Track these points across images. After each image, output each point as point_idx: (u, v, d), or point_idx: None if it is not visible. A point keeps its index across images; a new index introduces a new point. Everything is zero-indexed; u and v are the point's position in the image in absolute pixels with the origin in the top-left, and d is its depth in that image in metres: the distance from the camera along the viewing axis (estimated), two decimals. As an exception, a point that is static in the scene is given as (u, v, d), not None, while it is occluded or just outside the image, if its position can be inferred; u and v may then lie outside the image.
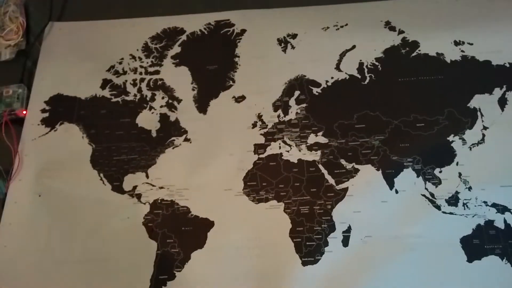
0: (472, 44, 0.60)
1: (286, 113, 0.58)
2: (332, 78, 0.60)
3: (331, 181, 0.54)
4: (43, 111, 0.60)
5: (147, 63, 0.63)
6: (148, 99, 0.60)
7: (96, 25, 0.66)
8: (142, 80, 0.62)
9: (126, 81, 0.62)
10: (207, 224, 0.53)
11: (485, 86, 0.58)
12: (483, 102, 0.57)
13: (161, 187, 0.55)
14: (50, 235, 0.54)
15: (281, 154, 0.56)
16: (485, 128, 0.55)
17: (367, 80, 0.59)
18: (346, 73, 0.60)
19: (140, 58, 0.63)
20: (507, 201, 0.52)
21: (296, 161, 0.55)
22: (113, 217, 0.54)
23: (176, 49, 0.63)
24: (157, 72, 0.62)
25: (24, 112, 0.60)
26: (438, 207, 0.52)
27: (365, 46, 0.61)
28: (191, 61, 0.63)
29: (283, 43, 0.63)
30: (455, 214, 0.52)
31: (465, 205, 0.52)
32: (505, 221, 0.51)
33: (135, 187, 0.55)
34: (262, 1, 0.66)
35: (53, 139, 0.59)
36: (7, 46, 0.64)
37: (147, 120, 0.59)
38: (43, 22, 0.66)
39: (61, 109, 0.60)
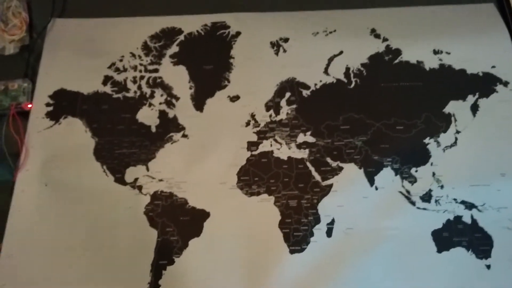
0: (449, 53, 0.65)
1: (277, 113, 0.62)
2: (320, 81, 0.64)
3: (318, 177, 0.58)
4: (48, 105, 0.63)
5: (147, 61, 0.65)
6: (147, 96, 0.63)
7: (97, 22, 0.68)
8: (142, 77, 0.64)
9: (126, 78, 0.64)
10: (203, 215, 0.57)
11: (460, 93, 0.62)
12: (457, 108, 0.61)
13: (161, 180, 0.59)
14: (56, 222, 0.56)
15: (272, 152, 0.60)
16: (458, 132, 0.60)
17: (352, 84, 0.63)
18: (333, 77, 0.64)
19: (139, 56, 0.66)
20: (475, 199, 0.57)
21: (286, 158, 0.59)
22: (116, 206, 0.57)
23: (174, 48, 0.66)
24: (156, 70, 0.65)
25: (30, 105, 0.62)
26: (413, 203, 0.57)
27: (351, 52, 0.65)
28: (189, 60, 0.65)
29: (276, 46, 0.66)
30: (428, 210, 0.56)
31: (437, 202, 0.57)
32: (472, 217, 0.56)
33: (136, 179, 0.59)
34: (256, 5, 0.69)
35: (57, 132, 0.61)
36: (11, 41, 0.66)
37: (147, 116, 0.62)
38: (45, 18, 0.68)
39: (64, 103, 0.63)
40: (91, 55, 0.66)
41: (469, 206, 0.57)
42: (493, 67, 0.64)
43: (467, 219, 0.56)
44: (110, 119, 0.62)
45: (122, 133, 0.61)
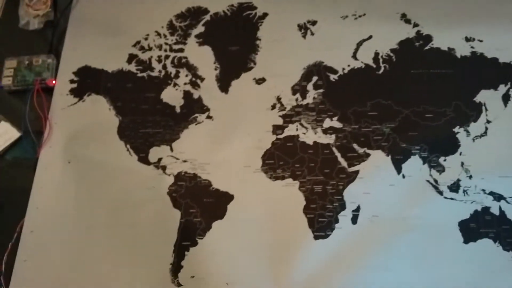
0: (481, 41, 0.63)
1: (304, 97, 0.61)
2: (348, 66, 0.62)
3: (344, 163, 0.57)
4: (72, 81, 0.63)
5: (172, 40, 0.65)
6: (172, 76, 0.63)
7: (122, 0, 0.68)
8: (166, 57, 0.64)
9: (151, 57, 0.64)
10: (227, 197, 0.56)
11: (491, 82, 0.61)
12: (488, 97, 0.60)
13: (185, 161, 0.58)
14: (79, 200, 0.57)
15: (297, 136, 0.59)
16: (488, 122, 0.59)
17: (381, 70, 0.62)
18: (362, 62, 0.63)
19: (165, 35, 0.65)
20: (504, 190, 0.55)
21: (311, 143, 0.59)
22: (140, 186, 0.57)
23: (200, 28, 0.66)
24: (181, 50, 0.64)
25: (54, 82, 0.62)
26: (440, 193, 0.56)
27: (381, 36, 0.64)
28: (214, 41, 0.65)
29: (303, 29, 0.65)
30: (455, 200, 0.55)
31: (465, 192, 0.56)
32: (500, 208, 0.55)
33: (160, 159, 0.58)
34: (284, -14, 0.67)
35: (81, 109, 0.61)
36: (36, 16, 0.65)
37: (172, 96, 0.62)
38: (70, -7, 0.68)
39: (89, 81, 0.63)
40: (116, 32, 0.65)
41: (498, 197, 0.55)
42: (526, 56, 0.62)
43: (495, 211, 0.55)
44: (134, 98, 0.62)
45: (146, 112, 0.61)
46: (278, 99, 0.61)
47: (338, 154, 0.58)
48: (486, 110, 0.60)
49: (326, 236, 0.54)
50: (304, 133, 0.59)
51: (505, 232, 0.54)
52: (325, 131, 0.59)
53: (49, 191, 0.57)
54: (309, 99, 0.61)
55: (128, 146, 0.59)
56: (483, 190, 0.56)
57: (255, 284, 0.52)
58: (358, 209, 0.55)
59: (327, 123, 0.60)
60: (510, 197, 0.55)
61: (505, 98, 0.60)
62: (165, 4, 0.67)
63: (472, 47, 0.63)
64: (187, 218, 0.55)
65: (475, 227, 0.54)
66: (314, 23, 0.65)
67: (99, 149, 0.59)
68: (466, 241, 0.54)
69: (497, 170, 0.57)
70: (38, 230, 0.55)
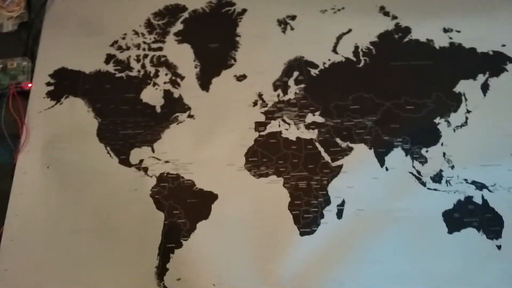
0: (459, 31, 0.63)
1: (285, 93, 0.61)
2: (329, 60, 0.62)
3: (327, 158, 0.57)
4: (48, 84, 0.61)
5: (150, 39, 0.64)
6: (151, 75, 0.62)
7: (98, -1, 0.66)
8: (145, 56, 0.63)
9: (129, 56, 0.63)
10: (211, 197, 0.56)
11: (470, 72, 0.61)
12: (467, 87, 0.61)
13: (167, 161, 0.57)
14: (59, 205, 0.55)
15: (280, 132, 0.59)
16: (468, 111, 0.59)
17: (362, 63, 0.62)
18: (342, 55, 0.63)
19: (143, 34, 0.64)
20: (485, 179, 0.56)
21: (294, 139, 0.58)
22: (121, 188, 0.56)
23: (179, 26, 0.65)
24: (160, 49, 0.63)
25: (30, 85, 0.60)
26: (423, 184, 0.56)
27: (360, 30, 0.64)
28: (193, 38, 0.64)
29: (283, 24, 0.65)
30: (439, 190, 0.56)
31: (447, 182, 0.56)
32: (482, 197, 0.55)
33: (141, 161, 0.57)
34: (262, -19, 0.67)
35: (59, 112, 0.60)
36: (9, 18, 0.63)
37: (152, 96, 0.61)
38: (44, -6, 0.66)
39: (66, 83, 0.61)
40: (93, 32, 0.64)
41: (480, 186, 0.56)
42: (504, 45, 0.63)
43: (478, 200, 0.56)
44: (114, 99, 0.61)
45: (126, 113, 0.60)
46: (260, 95, 0.61)
47: (321, 149, 0.58)
48: (466, 100, 0.60)
49: (312, 232, 0.54)
50: (287, 129, 0.59)
51: (488, 221, 0.54)
52: (308, 127, 0.59)
53: (28, 197, 0.55)
54: (290, 95, 0.61)
55: (108, 148, 0.58)
56: (466, 180, 0.56)
57: (242, 283, 0.52)
58: (343, 203, 0.55)
59: (310, 118, 0.59)
60: (492, 186, 0.56)
61: (484, 88, 0.61)
62: (142, 2, 0.66)
63: (450, 38, 0.63)
64: (171, 219, 0.55)
65: (459, 216, 0.55)
66: (293, 18, 0.65)
67: (79, 153, 0.58)
68: (450, 231, 0.54)
69: (478, 159, 0.57)
70: (18, 238, 0.54)
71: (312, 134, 0.59)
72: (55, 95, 0.61)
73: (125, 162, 0.57)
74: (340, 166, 0.57)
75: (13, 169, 0.57)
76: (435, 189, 0.56)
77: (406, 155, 0.57)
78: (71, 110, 0.60)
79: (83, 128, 0.59)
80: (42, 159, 0.57)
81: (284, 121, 0.59)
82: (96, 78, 0.62)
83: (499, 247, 0.53)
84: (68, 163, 0.57)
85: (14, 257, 0.53)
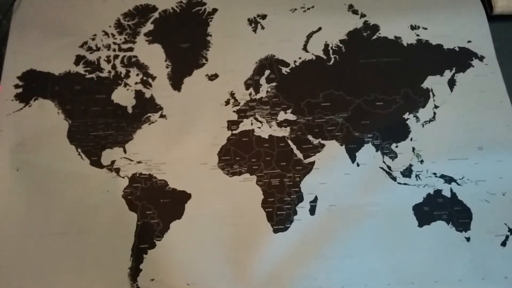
0: (426, 28, 0.65)
1: (257, 91, 0.61)
2: (300, 58, 0.63)
3: (299, 155, 0.58)
4: (16, 86, 0.60)
5: (120, 39, 0.63)
6: (122, 76, 0.61)
7: (66, 0, 0.65)
8: (116, 57, 0.62)
9: (100, 57, 0.62)
10: (184, 196, 0.56)
11: (437, 68, 0.63)
12: (435, 83, 0.62)
13: (139, 162, 0.57)
14: (30, 208, 0.55)
15: (253, 130, 0.59)
16: (436, 107, 0.61)
17: (332, 61, 0.63)
18: (312, 53, 0.63)
19: (113, 35, 0.63)
20: (454, 173, 0.57)
21: (267, 137, 0.59)
22: (93, 190, 0.55)
23: (149, 26, 0.64)
24: (131, 49, 0.63)
25: (-3, 87, 0.60)
26: (394, 179, 0.57)
27: (330, 28, 0.64)
28: (164, 38, 0.64)
29: (253, 23, 0.65)
30: (409, 185, 0.57)
31: (417, 177, 0.57)
32: (451, 190, 0.57)
33: (113, 162, 0.57)
34: (233, -19, 0.67)
35: (28, 114, 0.59)
36: (-25, 20, 0.62)
37: (123, 96, 0.60)
38: (10, -5, 0.65)
39: (34, 85, 0.60)
40: (61, 34, 0.63)
41: (448, 180, 0.57)
42: (469, 41, 0.64)
43: (446, 193, 0.57)
44: (84, 100, 0.60)
45: (97, 114, 0.59)
46: (232, 94, 0.61)
47: (293, 147, 0.58)
48: (434, 95, 0.61)
49: (286, 229, 0.54)
50: (259, 127, 0.59)
51: (457, 213, 0.56)
52: (280, 124, 0.59)
53: (-3, 201, 0.55)
54: (262, 93, 0.61)
55: (79, 150, 0.57)
56: (434, 174, 0.57)
57: (217, 282, 0.52)
58: (315, 200, 0.56)
59: (282, 116, 0.60)
60: (460, 179, 0.57)
61: (451, 83, 0.62)
62: (112, 3, 0.65)
63: (417, 35, 0.64)
64: (144, 220, 0.54)
65: (429, 210, 0.56)
66: (264, 17, 0.65)
67: (49, 155, 0.57)
68: (420, 224, 0.55)
69: (446, 154, 0.58)
70: (-12, 242, 0.53)
71: (285, 132, 0.59)
72: (24, 97, 0.60)
73: (96, 163, 0.57)
74: (312, 163, 0.57)
75: (-19, 173, 0.56)
76: (405, 184, 0.57)
77: (377, 150, 0.58)
78: (40, 112, 0.59)
79: (53, 130, 0.58)
80: (12, 162, 0.56)
81: (256, 119, 0.60)
82: (66, 79, 0.61)
83: (468, 239, 0.55)
84: (38, 166, 0.56)
85: (-16, 262, 0.52)
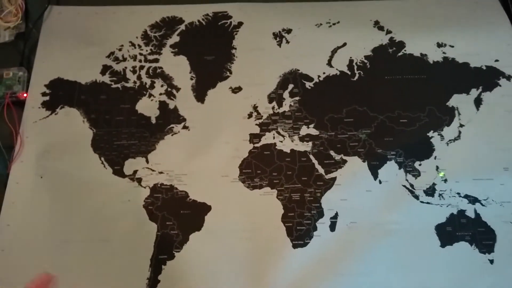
0: (453, 46, 0.64)
1: (280, 105, 0.61)
2: (324, 73, 0.63)
3: (321, 170, 0.58)
4: (44, 94, 0.61)
5: (147, 51, 0.64)
6: (147, 86, 0.62)
7: (95, 10, 0.67)
8: (141, 67, 0.63)
9: (125, 68, 0.63)
10: (205, 208, 0.56)
11: (463, 87, 0.62)
12: (460, 102, 0.61)
13: (161, 172, 0.57)
14: (52, 215, 0.55)
15: (274, 144, 0.59)
16: (461, 125, 0.60)
17: (356, 77, 0.63)
18: (337, 69, 0.63)
19: (139, 46, 0.64)
20: (478, 193, 0.56)
21: (289, 151, 0.59)
22: (115, 199, 0.56)
23: (175, 38, 0.65)
24: (156, 60, 0.64)
25: (25, 95, 0.60)
26: (416, 197, 0.56)
27: (355, 44, 0.64)
28: (189, 51, 0.64)
29: (278, 37, 0.65)
30: (432, 204, 0.56)
31: (440, 196, 0.56)
32: (475, 211, 0.56)
33: (135, 171, 0.57)
34: (259, -5, 0.68)
35: (54, 122, 0.60)
36: (6, 28, 0.64)
37: (147, 107, 0.61)
38: (41, 5, 0.66)
39: (61, 93, 0.61)
40: (89, 43, 0.64)
41: (473, 200, 0.56)
42: (497, 60, 0.64)
43: (470, 213, 0.56)
44: (109, 110, 0.61)
45: (121, 124, 0.60)
46: (255, 107, 0.61)
47: (315, 162, 0.58)
48: (459, 114, 0.60)
49: (305, 245, 0.54)
50: (281, 141, 0.59)
51: (480, 235, 0.55)
52: (302, 139, 0.59)
53: (20, 207, 0.55)
54: (285, 107, 0.61)
55: (102, 158, 0.58)
56: (458, 193, 0.57)
57: (235, 295, 0.52)
58: (336, 216, 0.55)
59: (304, 130, 0.60)
60: (485, 200, 0.56)
61: (477, 102, 0.61)
62: (139, 15, 0.67)
63: (444, 53, 0.64)
64: (164, 231, 0.55)
65: (452, 230, 0.55)
66: (289, 31, 0.66)
67: (73, 163, 0.58)
68: (443, 245, 0.54)
69: (471, 173, 0.57)
70: (10, 248, 0.54)
71: (306, 147, 0.59)
72: (51, 105, 0.61)
73: (119, 172, 0.57)
74: (334, 179, 0.57)
75: (6, 179, 0.57)
76: (428, 203, 0.56)
77: (400, 168, 0.58)
78: (66, 121, 0.60)
79: (78, 139, 0.59)
80: (36, 169, 0.57)
81: (278, 133, 0.60)
82: (92, 88, 0.62)
83: (491, 261, 0.54)
84: (62, 173, 0.57)
85: (5, 267, 0.53)
